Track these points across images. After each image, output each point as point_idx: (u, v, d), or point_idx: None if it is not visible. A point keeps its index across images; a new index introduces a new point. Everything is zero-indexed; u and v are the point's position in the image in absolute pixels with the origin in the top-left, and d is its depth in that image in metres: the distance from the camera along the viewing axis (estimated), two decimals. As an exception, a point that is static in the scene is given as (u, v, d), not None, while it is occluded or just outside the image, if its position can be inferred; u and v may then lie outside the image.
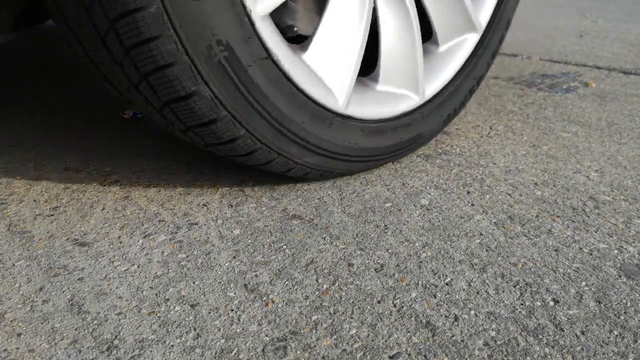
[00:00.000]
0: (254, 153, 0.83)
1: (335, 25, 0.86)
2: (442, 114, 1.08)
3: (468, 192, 0.93)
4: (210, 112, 0.74)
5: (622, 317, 0.62)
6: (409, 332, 0.60)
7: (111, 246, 0.77)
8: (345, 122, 0.91)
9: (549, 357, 0.57)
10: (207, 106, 0.73)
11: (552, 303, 0.65)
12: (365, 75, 0.99)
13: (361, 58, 0.89)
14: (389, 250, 0.76)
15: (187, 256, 0.75)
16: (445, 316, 0.63)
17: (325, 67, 0.86)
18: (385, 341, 0.59)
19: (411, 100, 1.00)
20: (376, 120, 0.96)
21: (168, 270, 0.72)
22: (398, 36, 0.95)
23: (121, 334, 0.60)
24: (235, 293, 0.67)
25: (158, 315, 0.63)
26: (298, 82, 0.82)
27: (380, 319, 0.62)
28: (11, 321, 0.62)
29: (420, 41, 0.96)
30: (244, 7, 0.71)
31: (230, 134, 0.78)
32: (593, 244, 0.77)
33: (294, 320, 0.62)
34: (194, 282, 0.69)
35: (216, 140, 0.80)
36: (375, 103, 0.96)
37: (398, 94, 0.99)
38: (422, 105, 1.02)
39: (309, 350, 0.58)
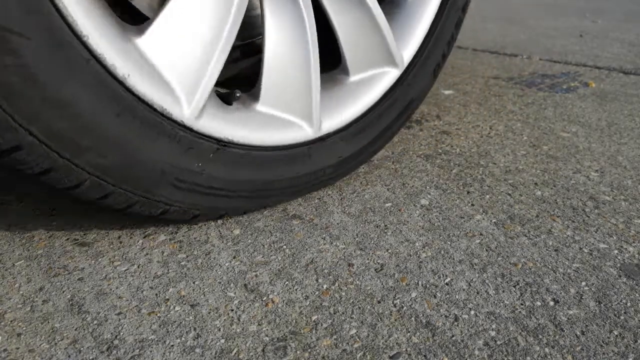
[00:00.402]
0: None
1: (279, 55, 0.76)
2: (429, 68, 0.98)
3: (468, 192, 0.93)
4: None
5: (622, 317, 0.62)
6: (409, 332, 0.60)
7: (111, 246, 0.77)
8: (323, 144, 0.85)
9: (549, 357, 0.57)
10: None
11: (552, 303, 0.65)
12: (333, 68, 0.90)
13: (318, 72, 0.80)
14: (389, 250, 0.76)
15: (187, 256, 0.75)
16: (445, 316, 0.63)
17: (284, 103, 0.79)
18: (385, 341, 0.59)
19: (390, 75, 0.91)
20: (357, 119, 0.89)
21: (168, 270, 0.72)
22: (353, 19, 0.84)
23: (121, 334, 0.60)
24: (235, 293, 0.67)
25: (158, 315, 0.63)
26: (263, 142, 0.77)
27: (380, 319, 0.62)
28: (11, 321, 0.62)
29: (380, 11, 0.85)
30: (175, 122, 0.67)
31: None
32: (593, 244, 0.77)
33: (294, 320, 0.62)
34: (194, 282, 0.69)
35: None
36: (351, 100, 0.88)
37: (374, 75, 0.90)
38: (405, 72, 0.93)
39: (309, 350, 0.58)
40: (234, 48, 0.91)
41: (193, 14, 0.66)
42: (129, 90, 0.62)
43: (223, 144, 0.73)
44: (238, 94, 0.77)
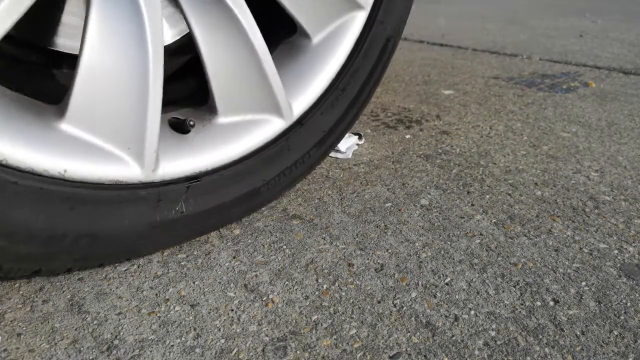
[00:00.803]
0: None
1: (219, 55, 0.67)
2: None
3: (468, 192, 0.93)
4: (187, 242, 0.77)
5: (622, 317, 0.62)
6: (409, 332, 0.60)
7: (111, 246, 0.77)
8: (301, 128, 0.78)
9: (549, 357, 0.56)
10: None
11: (552, 303, 0.65)
12: (290, 34, 0.82)
13: (269, 56, 0.70)
14: (389, 250, 0.76)
15: (187, 256, 0.75)
16: (445, 316, 0.63)
17: (244, 104, 0.72)
18: (385, 341, 0.59)
19: (358, 19, 0.81)
20: (333, 82, 0.79)
21: (168, 270, 0.72)
22: None
23: (121, 334, 0.60)
24: (235, 293, 0.67)
25: (158, 315, 0.63)
26: (236, 155, 0.73)
27: (380, 319, 0.62)
28: (11, 321, 0.62)
29: None
30: (133, 185, 0.62)
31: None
32: (593, 244, 0.77)
33: (294, 320, 0.62)
34: (194, 282, 0.69)
35: None
36: (320, 64, 0.79)
37: (339, 27, 0.80)
38: (373, 10, 0.82)
39: (309, 350, 0.58)
40: (172, 46, 0.83)
41: (108, 72, 0.58)
42: (72, 182, 0.57)
43: (193, 180, 0.68)
44: (192, 122, 0.70)
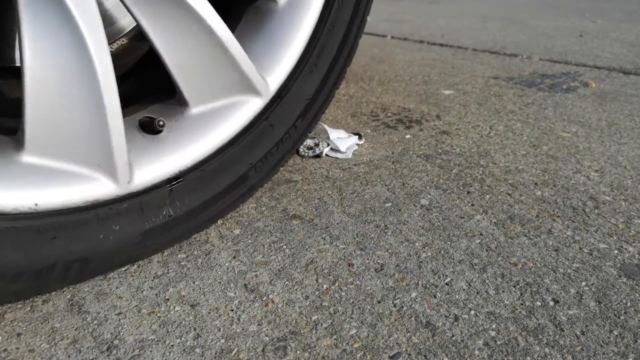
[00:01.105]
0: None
1: (172, 46, 0.62)
2: None
3: (468, 192, 0.93)
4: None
5: (622, 317, 0.62)
6: (409, 332, 0.60)
7: (111, 246, 0.77)
8: (282, 102, 0.74)
9: (549, 357, 0.56)
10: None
11: (552, 303, 0.65)
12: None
13: (231, 37, 0.64)
14: (389, 250, 0.76)
15: (187, 256, 0.75)
16: (445, 316, 0.63)
17: (216, 89, 0.68)
18: (385, 341, 0.59)
19: None
20: (308, 46, 0.73)
21: (168, 270, 0.72)
22: None
23: (121, 334, 0.60)
24: (235, 293, 0.67)
25: (158, 315, 0.63)
26: (217, 145, 0.70)
27: (380, 319, 0.62)
28: (11, 321, 0.62)
29: None
30: (110, 202, 0.60)
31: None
32: (593, 244, 0.77)
33: (294, 320, 0.62)
34: (194, 282, 0.69)
35: None
36: (292, 27, 0.72)
37: None
38: None
39: (309, 350, 0.58)
40: (132, 33, 0.78)
41: (53, 89, 0.53)
42: (45, 212, 0.55)
43: (174, 181, 0.65)
44: (161, 122, 0.65)
